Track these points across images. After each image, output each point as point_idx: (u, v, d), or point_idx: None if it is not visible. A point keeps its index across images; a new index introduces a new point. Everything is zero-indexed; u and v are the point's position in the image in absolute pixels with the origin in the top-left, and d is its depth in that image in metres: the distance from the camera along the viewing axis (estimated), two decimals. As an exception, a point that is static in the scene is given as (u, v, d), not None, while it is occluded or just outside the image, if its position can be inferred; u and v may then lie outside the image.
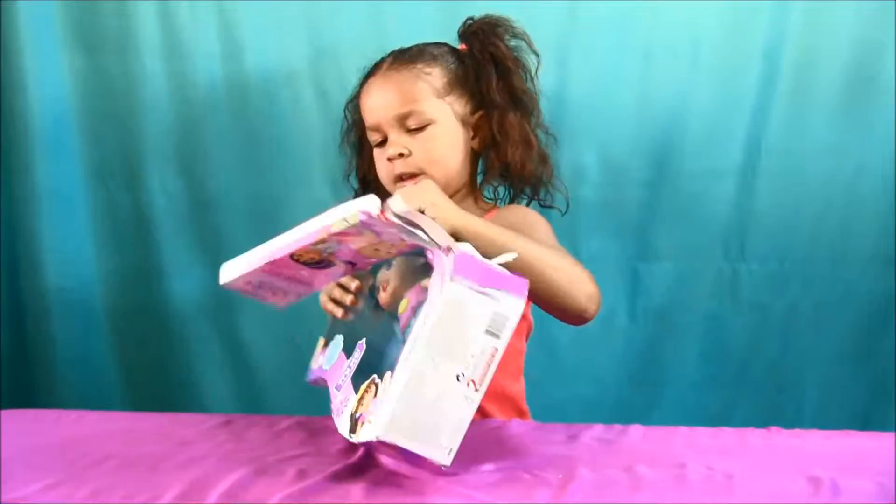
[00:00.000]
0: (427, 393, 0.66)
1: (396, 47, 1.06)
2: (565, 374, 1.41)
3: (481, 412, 0.98)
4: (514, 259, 0.75)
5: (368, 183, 1.12)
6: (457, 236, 0.80)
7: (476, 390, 0.67)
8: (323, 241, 0.74)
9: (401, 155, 0.99)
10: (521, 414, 1.07)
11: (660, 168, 1.41)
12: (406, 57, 1.02)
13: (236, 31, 1.38)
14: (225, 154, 1.41)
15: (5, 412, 0.98)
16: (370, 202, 0.69)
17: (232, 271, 0.81)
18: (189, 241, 1.42)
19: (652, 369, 1.47)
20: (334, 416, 0.78)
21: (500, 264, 0.72)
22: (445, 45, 1.06)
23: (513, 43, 1.04)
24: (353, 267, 0.82)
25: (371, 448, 0.71)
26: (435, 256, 0.72)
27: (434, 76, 1.00)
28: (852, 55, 1.37)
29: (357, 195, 1.11)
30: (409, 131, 0.99)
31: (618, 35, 1.37)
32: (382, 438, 0.66)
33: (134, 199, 1.41)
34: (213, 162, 1.41)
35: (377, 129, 1.01)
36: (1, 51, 1.34)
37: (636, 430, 0.88)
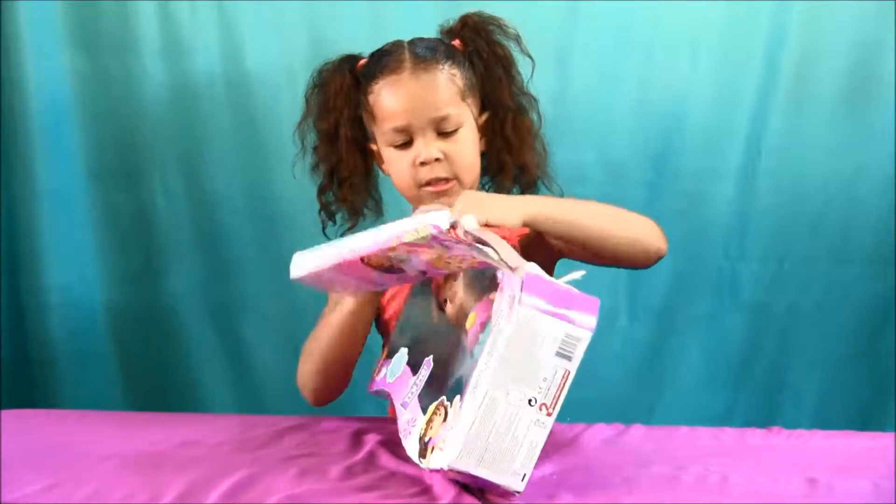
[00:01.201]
0: (499, 419, 0.65)
1: (393, 40, 1.02)
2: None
3: None
4: (592, 228, 0.82)
5: (338, 178, 1.07)
6: (532, 224, 0.82)
7: (549, 414, 0.66)
8: (393, 249, 0.73)
9: (436, 160, 0.96)
10: None
11: (660, 168, 1.41)
12: (430, 55, 0.97)
13: (236, 31, 1.37)
14: (225, 154, 1.41)
15: (5, 412, 0.98)
16: (440, 217, 0.69)
17: (302, 266, 0.80)
18: (189, 241, 1.42)
19: (652, 369, 1.47)
20: (401, 435, 0.77)
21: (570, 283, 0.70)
22: (440, 40, 1.03)
23: (503, 38, 1.02)
24: (423, 275, 0.81)
25: (439, 473, 0.70)
26: (504, 276, 0.70)
27: (457, 77, 0.98)
28: (852, 55, 1.37)
29: (323, 190, 1.08)
30: (441, 135, 0.96)
31: (618, 35, 1.37)
32: (454, 466, 0.66)
33: (134, 199, 1.41)
34: (214, 162, 1.41)
35: (405, 130, 0.97)
36: (1, 51, 1.34)
37: (637, 429, 0.88)
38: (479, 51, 1.00)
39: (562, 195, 1.05)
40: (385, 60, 0.99)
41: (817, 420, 1.44)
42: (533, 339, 0.65)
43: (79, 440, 0.87)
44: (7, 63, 1.34)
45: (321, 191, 1.09)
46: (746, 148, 1.40)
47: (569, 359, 0.66)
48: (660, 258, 0.91)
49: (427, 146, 0.96)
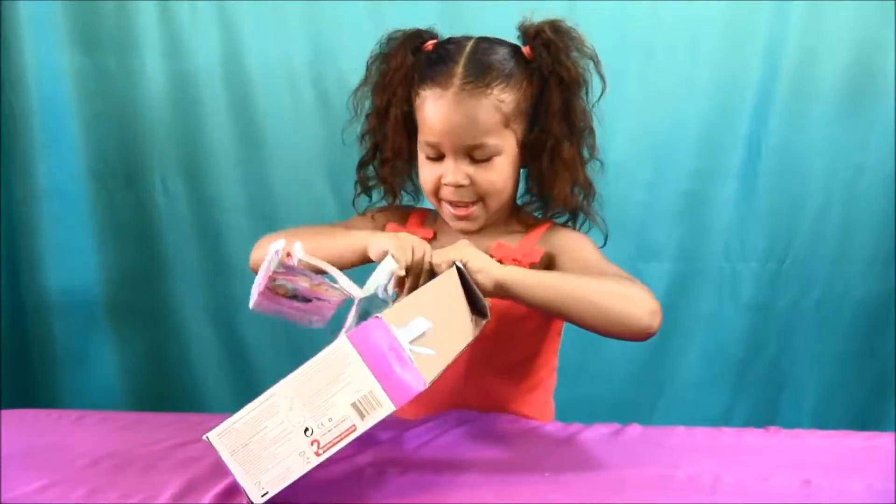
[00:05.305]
0: (270, 427, 0.64)
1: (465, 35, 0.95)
2: (566, 374, 1.41)
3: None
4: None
5: (381, 156, 1.00)
6: (503, 288, 0.81)
7: (317, 454, 0.64)
8: (274, 279, 0.75)
9: (462, 185, 0.92)
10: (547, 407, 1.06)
11: (660, 168, 1.41)
12: (482, 76, 0.90)
13: (236, 31, 1.38)
14: (225, 153, 1.41)
15: (5, 412, 0.98)
16: (277, 243, 0.73)
17: (252, 296, 0.80)
18: (189, 240, 1.42)
19: (652, 369, 1.47)
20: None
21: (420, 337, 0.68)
22: (510, 46, 0.95)
23: (578, 57, 0.95)
24: (331, 304, 0.80)
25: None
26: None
27: (507, 103, 0.91)
28: (852, 55, 1.36)
29: (364, 164, 1.02)
30: (473, 159, 0.92)
31: (618, 34, 1.37)
32: (211, 442, 0.65)
33: (134, 199, 1.41)
34: (213, 161, 1.41)
35: (436, 147, 0.92)
36: (1, 50, 1.34)
37: (634, 429, 0.88)
38: (542, 69, 0.93)
39: (606, 231, 1.02)
40: (439, 68, 0.92)
41: (817, 420, 1.44)
42: (340, 374, 0.63)
43: (79, 440, 0.87)
44: (7, 63, 1.35)
45: (362, 164, 1.03)
46: (746, 148, 1.40)
47: (362, 417, 0.64)
48: (649, 335, 0.86)
49: (455, 169, 0.92)
